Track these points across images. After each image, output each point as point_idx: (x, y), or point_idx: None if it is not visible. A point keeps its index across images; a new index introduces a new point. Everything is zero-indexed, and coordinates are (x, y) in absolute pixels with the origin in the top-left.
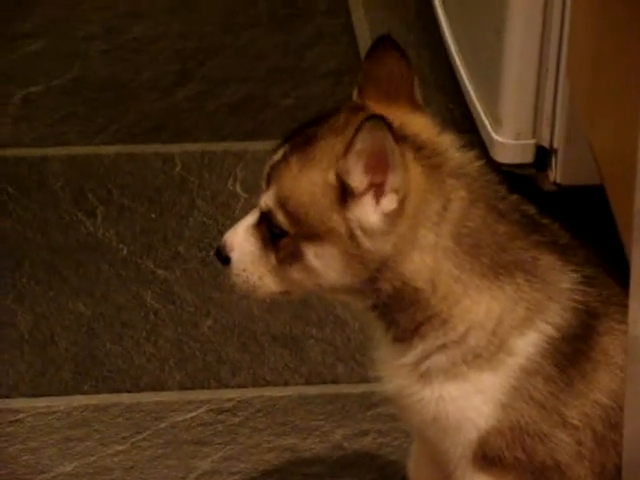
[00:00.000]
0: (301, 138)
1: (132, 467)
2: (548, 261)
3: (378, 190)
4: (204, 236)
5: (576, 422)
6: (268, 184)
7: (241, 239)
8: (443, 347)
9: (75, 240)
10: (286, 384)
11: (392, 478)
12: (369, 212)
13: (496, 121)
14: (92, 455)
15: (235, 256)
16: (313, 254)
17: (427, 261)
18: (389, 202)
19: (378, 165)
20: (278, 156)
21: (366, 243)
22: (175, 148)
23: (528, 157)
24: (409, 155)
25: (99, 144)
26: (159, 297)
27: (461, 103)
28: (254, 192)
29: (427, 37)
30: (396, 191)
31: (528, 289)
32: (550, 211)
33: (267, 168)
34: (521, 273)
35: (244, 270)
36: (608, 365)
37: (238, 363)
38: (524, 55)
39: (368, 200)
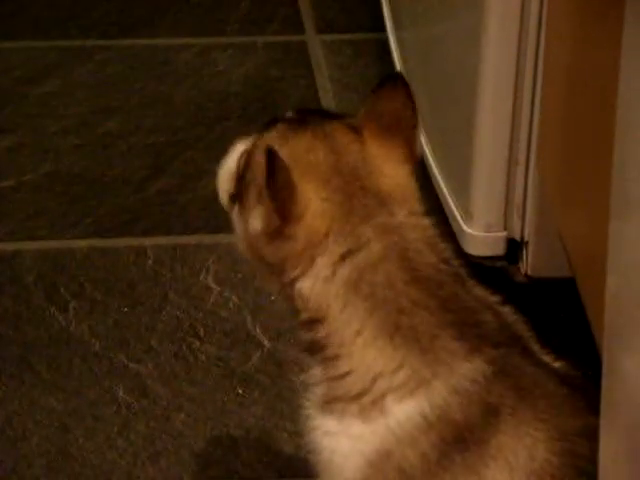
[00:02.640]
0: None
1: None
2: (450, 344)
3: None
4: (177, 329)
5: None
6: (260, 131)
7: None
8: (329, 379)
9: (47, 335)
10: (259, 478)
11: None
12: (254, 217)
13: (467, 213)
14: None
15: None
16: (235, 213)
17: (317, 291)
18: (255, 222)
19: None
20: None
21: (252, 241)
22: (147, 241)
23: (499, 249)
24: (312, 190)
25: (71, 238)
26: (131, 391)
27: (431, 194)
28: (227, 285)
29: None
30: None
31: (417, 360)
32: (521, 303)
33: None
34: (416, 343)
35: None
36: (504, 465)
37: (211, 457)
38: (494, 148)
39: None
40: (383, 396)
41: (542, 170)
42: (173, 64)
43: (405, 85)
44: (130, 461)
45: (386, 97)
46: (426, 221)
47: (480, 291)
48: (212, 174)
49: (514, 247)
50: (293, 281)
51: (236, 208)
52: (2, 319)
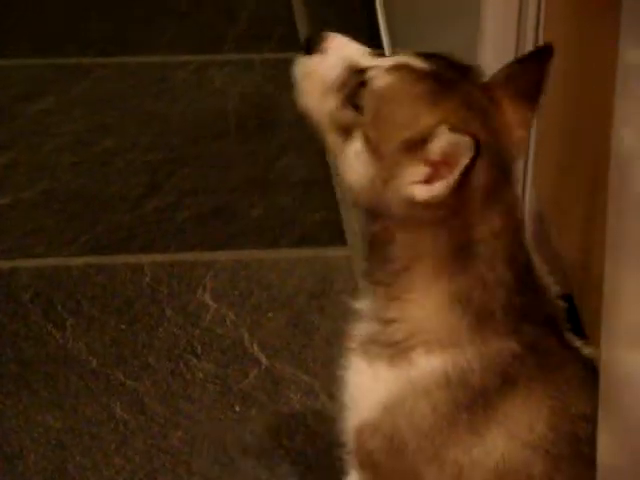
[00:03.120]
0: (440, 67)
1: None
2: (497, 320)
3: (436, 174)
4: (174, 347)
5: (448, 470)
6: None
7: (344, 51)
8: (375, 319)
9: (44, 352)
10: None
11: None
12: (415, 177)
13: None
14: None
15: (329, 50)
16: (358, 142)
17: (416, 240)
18: (427, 191)
19: (448, 163)
20: (407, 59)
21: (385, 193)
22: (144, 258)
23: None
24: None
25: (68, 256)
26: (129, 408)
27: None
28: (224, 302)
29: None
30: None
31: (463, 328)
32: None
33: (402, 54)
34: (472, 316)
35: (312, 73)
36: (505, 432)
37: (208, 475)
38: None
39: (423, 172)
40: (414, 347)
41: (539, 188)
42: (170, 81)
43: (549, 59)
44: (127, 478)
45: (529, 67)
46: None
47: (543, 271)
48: (209, 191)
49: None
50: (393, 224)
51: (356, 142)
52: None
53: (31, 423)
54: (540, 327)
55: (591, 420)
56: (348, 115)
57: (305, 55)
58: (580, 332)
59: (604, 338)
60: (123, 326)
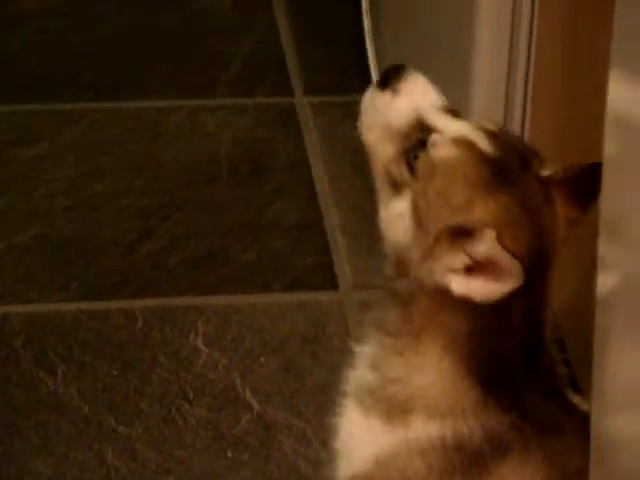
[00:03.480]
0: (505, 152)
1: None
2: (504, 399)
3: (477, 269)
4: (166, 392)
5: None
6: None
7: (416, 100)
8: (377, 370)
9: (36, 398)
10: None
11: None
12: (454, 266)
13: None
14: None
15: (403, 93)
16: (405, 203)
17: (436, 311)
18: (464, 287)
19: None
20: (474, 135)
21: (420, 265)
22: (136, 304)
23: None
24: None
25: (60, 301)
26: (120, 454)
27: None
28: (216, 347)
29: None
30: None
31: (468, 401)
32: None
33: (474, 123)
34: (479, 390)
35: (376, 113)
36: None
37: None
38: None
39: (464, 262)
40: (413, 410)
41: None
42: (163, 126)
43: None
44: None
45: (585, 174)
46: None
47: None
48: (201, 236)
49: None
50: (416, 293)
51: (404, 202)
52: None
53: (23, 470)
54: (543, 397)
55: (586, 475)
56: (402, 172)
57: (379, 87)
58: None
59: (595, 398)
60: (115, 372)
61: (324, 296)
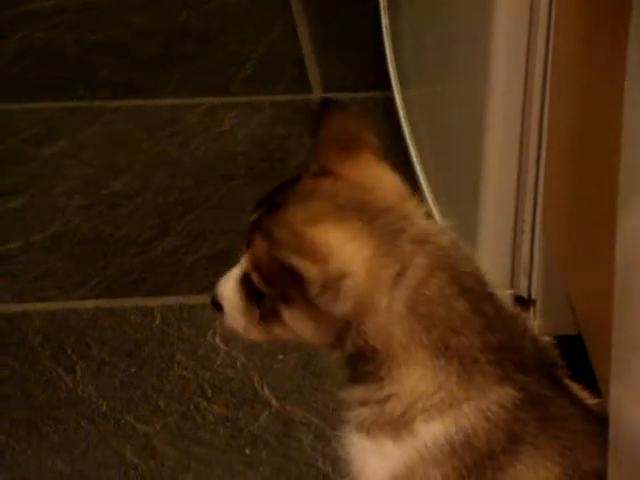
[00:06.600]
0: (271, 205)
1: None
2: (486, 368)
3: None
4: (184, 390)
5: None
6: (247, 246)
7: (230, 291)
8: (370, 402)
9: (55, 396)
10: None
11: None
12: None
13: None
14: None
15: (226, 305)
16: (288, 315)
17: (381, 324)
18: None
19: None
20: (253, 219)
21: (323, 307)
22: (154, 302)
23: None
24: (355, 227)
25: (78, 299)
26: (139, 452)
27: None
28: (234, 345)
29: None
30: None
31: (453, 382)
32: None
33: (247, 230)
34: (457, 366)
35: (232, 319)
36: None
37: None
38: (500, 208)
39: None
40: (414, 417)
41: (548, 233)
42: (180, 124)
43: (338, 107)
44: None
45: (329, 125)
46: (440, 224)
47: (516, 310)
48: (218, 233)
49: (521, 305)
50: (358, 327)
51: (286, 311)
52: (9, 381)
53: (41, 468)
54: (533, 375)
55: (603, 476)
56: (265, 306)
57: (218, 312)
58: (590, 374)
59: (614, 393)
60: (133, 369)
61: None
